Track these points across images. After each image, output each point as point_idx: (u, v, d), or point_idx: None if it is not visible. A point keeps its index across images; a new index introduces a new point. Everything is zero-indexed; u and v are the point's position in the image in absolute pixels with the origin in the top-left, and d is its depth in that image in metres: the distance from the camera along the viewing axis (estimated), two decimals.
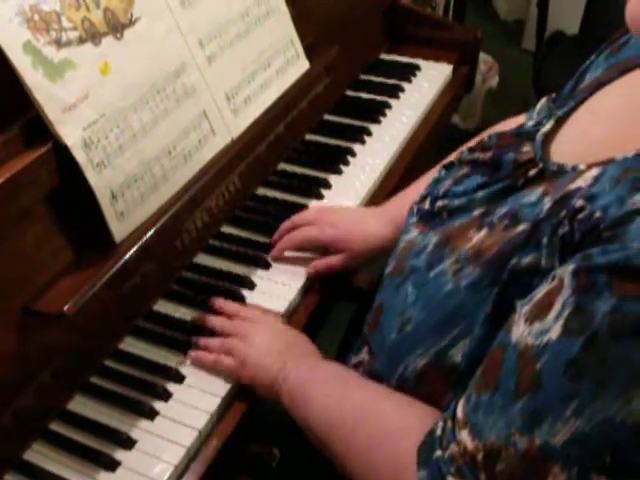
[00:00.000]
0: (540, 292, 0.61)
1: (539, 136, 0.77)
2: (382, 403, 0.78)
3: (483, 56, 2.72)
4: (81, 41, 0.89)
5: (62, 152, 0.85)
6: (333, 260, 1.08)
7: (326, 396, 0.82)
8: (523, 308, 0.62)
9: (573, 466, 0.57)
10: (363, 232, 1.08)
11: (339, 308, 1.19)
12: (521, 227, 0.68)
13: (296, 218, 1.13)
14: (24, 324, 0.83)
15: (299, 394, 0.85)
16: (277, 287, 1.06)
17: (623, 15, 0.67)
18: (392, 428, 0.74)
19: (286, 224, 1.12)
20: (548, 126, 0.78)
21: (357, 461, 0.75)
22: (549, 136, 0.77)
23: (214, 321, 0.99)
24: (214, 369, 0.94)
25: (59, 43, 0.86)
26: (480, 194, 0.76)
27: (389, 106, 1.48)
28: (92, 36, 0.90)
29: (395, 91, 1.52)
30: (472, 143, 0.91)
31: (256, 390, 0.92)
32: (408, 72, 1.58)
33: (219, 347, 0.95)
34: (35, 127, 0.84)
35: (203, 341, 0.97)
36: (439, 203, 0.82)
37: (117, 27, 0.94)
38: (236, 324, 0.98)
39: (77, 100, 0.87)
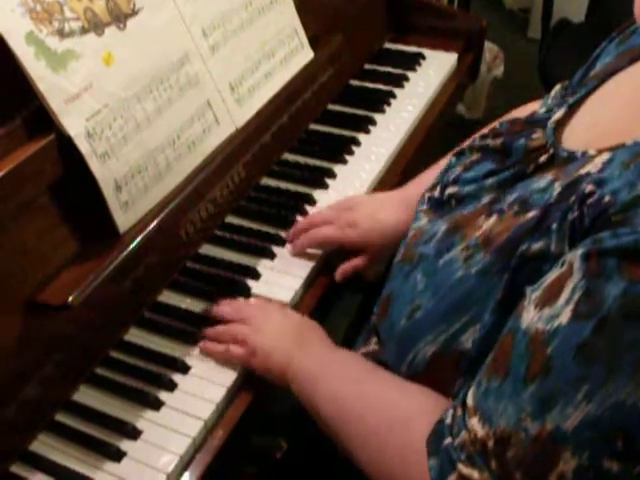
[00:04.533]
0: (550, 277, 0.61)
1: (550, 123, 0.77)
2: (391, 390, 0.78)
3: (488, 45, 2.71)
4: (84, 31, 0.89)
5: (66, 143, 0.85)
6: (359, 262, 1.07)
7: (336, 384, 0.82)
8: (533, 294, 0.62)
9: (584, 451, 0.57)
10: (382, 226, 1.07)
11: (344, 299, 1.19)
12: (531, 213, 0.68)
13: (314, 218, 1.11)
14: (29, 316, 0.83)
15: (309, 382, 0.85)
16: (282, 278, 1.06)
17: (629, 3, 0.67)
18: (401, 416, 0.74)
19: (303, 224, 1.11)
20: (560, 113, 0.78)
21: (366, 449, 0.75)
22: (560, 123, 0.78)
23: (221, 310, 0.98)
24: (222, 359, 0.93)
25: (62, 33, 0.86)
26: (490, 181, 0.77)
27: (394, 95, 1.47)
28: (95, 26, 0.90)
29: (400, 80, 1.51)
30: (486, 130, 0.91)
31: (266, 378, 0.91)
32: (413, 61, 1.57)
33: (227, 333, 0.94)
34: (38, 118, 0.84)
35: (211, 330, 0.96)
36: (449, 190, 0.82)
37: (120, 17, 0.93)
38: (244, 312, 0.97)
39: (80, 90, 0.87)
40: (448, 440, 0.65)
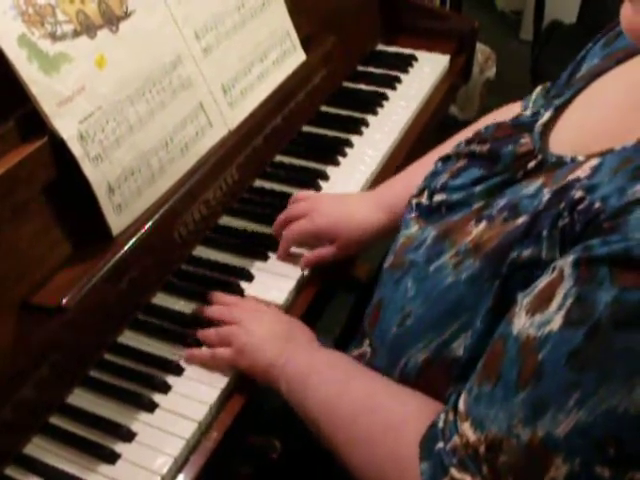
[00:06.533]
0: (541, 284, 0.61)
1: (537, 127, 0.77)
2: (382, 394, 0.78)
3: (480, 46, 2.71)
4: (76, 34, 0.89)
5: (58, 146, 0.85)
6: (322, 251, 1.07)
7: (325, 386, 0.82)
8: (524, 300, 0.62)
9: (576, 457, 0.57)
10: (352, 219, 1.07)
11: (337, 300, 1.19)
12: (520, 219, 0.67)
13: (289, 211, 1.12)
14: (22, 318, 0.83)
15: (298, 384, 0.85)
16: (275, 279, 1.06)
17: (620, 4, 0.67)
18: (393, 420, 0.74)
19: (280, 218, 1.11)
20: (546, 116, 0.78)
21: (358, 453, 0.75)
22: (548, 126, 0.77)
23: (212, 310, 0.99)
24: (210, 363, 0.93)
25: (54, 36, 0.86)
26: (479, 188, 0.76)
27: (386, 97, 1.47)
28: (87, 29, 0.90)
29: (392, 82, 1.51)
30: (467, 133, 0.91)
31: (254, 377, 0.91)
32: (405, 63, 1.57)
33: (216, 336, 0.95)
34: (31, 121, 0.84)
35: (200, 333, 0.96)
36: (437, 197, 0.81)
37: (112, 20, 0.93)
38: (234, 312, 0.97)
39: (73, 93, 0.87)
40: (440, 444, 0.65)
